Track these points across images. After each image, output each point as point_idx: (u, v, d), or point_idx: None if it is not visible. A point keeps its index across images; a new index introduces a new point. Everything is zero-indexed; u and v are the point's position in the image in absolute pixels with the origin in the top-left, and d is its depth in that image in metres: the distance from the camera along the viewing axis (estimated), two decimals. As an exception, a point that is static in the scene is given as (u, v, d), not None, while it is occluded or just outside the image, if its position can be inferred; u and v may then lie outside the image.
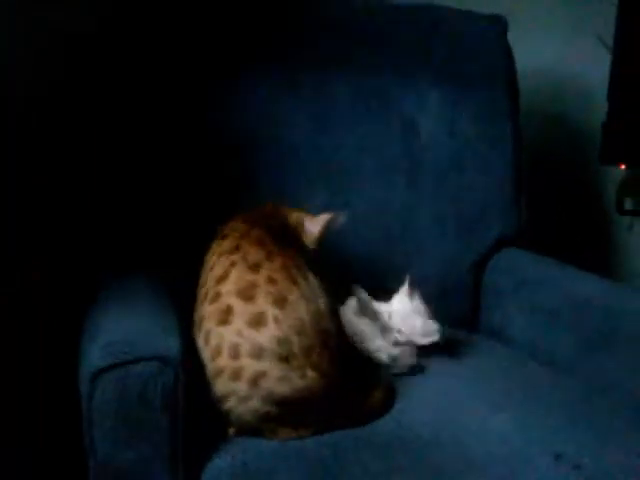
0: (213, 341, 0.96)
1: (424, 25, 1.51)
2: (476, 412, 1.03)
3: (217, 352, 0.95)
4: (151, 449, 0.86)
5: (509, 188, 1.50)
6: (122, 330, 0.91)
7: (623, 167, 2.00)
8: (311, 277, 1.02)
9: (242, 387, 0.94)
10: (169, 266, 1.22)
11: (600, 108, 1.87)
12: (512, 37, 1.59)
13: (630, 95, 1.88)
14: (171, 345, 0.89)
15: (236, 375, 0.94)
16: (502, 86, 1.53)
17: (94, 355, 0.86)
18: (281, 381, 0.94)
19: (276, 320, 0.95)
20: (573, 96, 2.02)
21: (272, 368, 0.93)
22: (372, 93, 1.44)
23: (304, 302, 0.98)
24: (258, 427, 0.96)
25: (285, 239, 1.07)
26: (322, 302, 1.00)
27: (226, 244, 1.04)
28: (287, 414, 0.95)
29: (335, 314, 1.05)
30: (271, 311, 0.95)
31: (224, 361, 0.95)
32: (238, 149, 1.36)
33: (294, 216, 1.17)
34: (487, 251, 1.47)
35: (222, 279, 0.99)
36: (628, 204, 2.03)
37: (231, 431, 0.97)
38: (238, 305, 0.96)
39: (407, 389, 1.08)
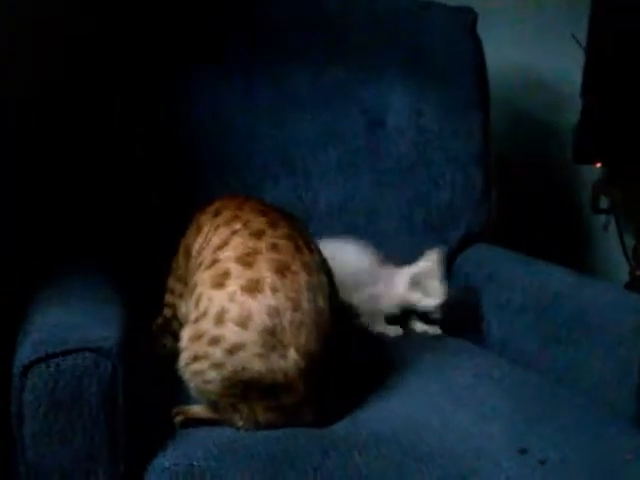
0: (202, 304, 0.91)
1: (389, 17, 1.48)
2: (438, 409, 0.99)
3: (202, 315, 0.90)
4: (87, 447, 0.81)
5: (478, 183, 1.47)
6: (56, 323, 0.86)
7: (598, 165, 1.98)
8: (316, 249, 0.97)
9: (217, 353, 0.88)
10: (124, 257, 1.19)
11: (575, 106, 1.86)
12: (486, 35, 1.57)
13: (604, 93, 1.87)
14: (108, 336, 0.83)
15: (215, 341, 0.89)
16: (470, 79, 1.50)
17: (25, 349, 0.81)
18: (259, 357, 0.88)
19: (273, 288, 0.89)
20: (548, 94, 2.01)
21: (254, 341, 0.88)
22: (333, 86, 1.41)
23: (305, 274, 0.92)
24: (217, 402, 0.90)
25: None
26: (323, 278, 0.94)
27: (222, 217, 0.99)
28: (254, 395, 0.89)
29: (335, 295, 0.97)
30: (270, 278, 0.90)
31: (207, 325, 0.89)
32: (198, 144, 1.33)
33: None
34: (456, 246, 1.44)
35: (221, 247, 0.94)
36: (603, 203, 2.01)
37: (178, 419, 0.92)
38: (236, 270, 0.90)
39: (367, 385, 1.04)
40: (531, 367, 1.18)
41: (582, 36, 1.79)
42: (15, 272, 1.26)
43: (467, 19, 1.53)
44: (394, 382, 1.06)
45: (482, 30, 1.55)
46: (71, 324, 0.86)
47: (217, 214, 1.01)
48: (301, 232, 0.97)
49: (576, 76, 1.82)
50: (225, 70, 1.36)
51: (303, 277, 0.91)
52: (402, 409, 0.98)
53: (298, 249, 0.93)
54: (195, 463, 0.84)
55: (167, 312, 1.11)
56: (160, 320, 1.12)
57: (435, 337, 1.30)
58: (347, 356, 0.99)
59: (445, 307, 1.26)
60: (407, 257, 1.35)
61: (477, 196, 1.47)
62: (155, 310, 1.13)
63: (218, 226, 0.98)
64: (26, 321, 0.91)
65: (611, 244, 2.05)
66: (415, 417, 0.96)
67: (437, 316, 1.27)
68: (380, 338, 1.27)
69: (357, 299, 1.26)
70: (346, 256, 1.23)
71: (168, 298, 1.11)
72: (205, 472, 0.83)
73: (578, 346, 1.13)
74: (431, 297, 1.25)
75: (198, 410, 0.93)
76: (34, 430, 0.79)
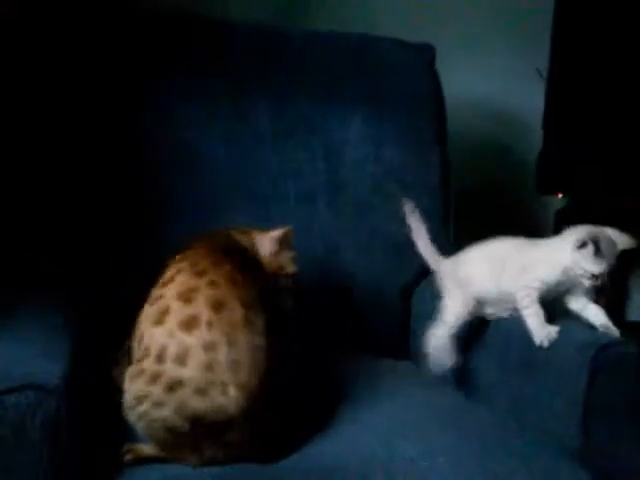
0: (144, 342, 0.93)
1: (349, 52, 1.52)
2: (386, 441, 1.00)
3: (145, 354, 0.92)
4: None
5: (435, 215, 1.49)
6: (1, 356, 0.86)
7: (560, 196, 2.03)
8: (255, 289, 0.98)
9: (157, 391, 0.89)
10: (80, 285, 1.20)
11: (538, 139, 1.91)
12: (452, 68, 1.63)
13: (564, 125, 1.92)
14: (52, 372, 0.84)
15: (154, 378, 0.90)
16: (428, 114, 1.55)
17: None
18: (198, 394, 0.89)
19: (209, 323, 0.91)
20: (512, 127, 2.05)
21: (192, 377, 0.89)
22: (294, 118, 1.44)
23: (243, 310, 0.94)
24: (164, 441, 0.91)
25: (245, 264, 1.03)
26: (261, 317, 0.96)
27: (176, 261, 1.02)
28: (199, 432, 0.90)
29: (274, 336, 0.98)
30: (206, 314, 0.91)
31: (148, 363, 0.91)
32: (158, 173, 1.35)
33: (244, 239, 1.14)
34: (412, 279, 1.46)
35: (166, 283, 0.96)
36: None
37: (128, 457, 0.92)
38: (176, 306, 0.92)
39: (316, 417, 1.05)
40: (484, 400, 1.20)
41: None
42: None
43: (426, 56, 1.58)
44: (344, 413, 1.08)
45: (447, 62, 1.60)
46: (14, 359, 0.86)
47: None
48: (242, 271, 0.99)
49: (541, 109, 1.87)
50: (192, 99, 1.39)
51: (239, 313, 0.93)
52: (351, 442, 1.00)
53: (236, 285, 0.95)
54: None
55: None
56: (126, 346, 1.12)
57: (388, 368, 1.29)
58: (294, 389, 1.00)
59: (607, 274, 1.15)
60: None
61: (434, 229, 1.48)
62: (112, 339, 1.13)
63: (171, 266, 1.00)
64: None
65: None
66: (363, 450, 0.97)
67: (598, 284, 1.15)
68: (330, 366, 1.26)
69: (513, 277, 1.19)
70: (488, 247, 1.24)
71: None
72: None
73: (528, 381, 1.15)
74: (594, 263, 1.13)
75: (147, 449, 0.94)
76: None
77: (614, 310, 2.06)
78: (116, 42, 1.39)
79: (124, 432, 0.96)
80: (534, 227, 2.10)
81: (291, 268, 1.15)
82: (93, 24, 1.39)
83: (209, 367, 0.89)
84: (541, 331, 1.13)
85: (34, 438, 0.81)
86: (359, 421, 1.06)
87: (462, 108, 1.86)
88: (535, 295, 1.16)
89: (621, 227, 1.94)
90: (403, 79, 1.54)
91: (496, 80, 1.98)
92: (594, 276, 1.14)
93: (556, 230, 2.02)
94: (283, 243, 1.15)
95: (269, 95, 1.43)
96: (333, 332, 1.39)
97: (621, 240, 1.17)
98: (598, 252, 1.13)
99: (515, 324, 1.22)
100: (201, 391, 0.89)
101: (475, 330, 1.30)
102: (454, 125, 1.79)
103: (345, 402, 1.12)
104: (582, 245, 1.14)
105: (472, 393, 1.23)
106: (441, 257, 1.32)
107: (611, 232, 1.18)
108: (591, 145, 1.90)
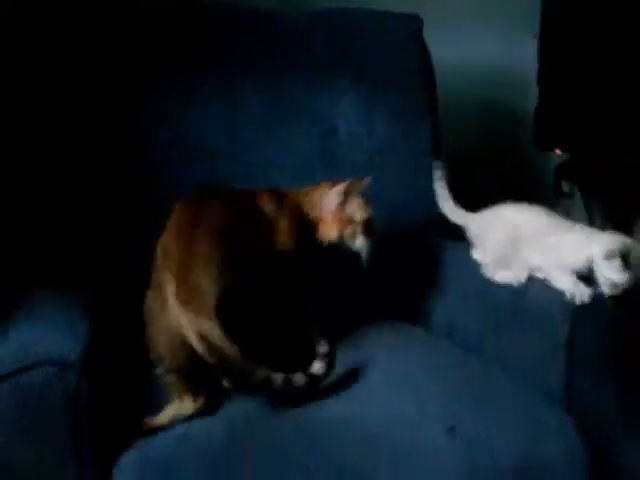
0: None
1: (338, 30, 1.56)
2: (380, 393, 1.08)
3: None
4: (55, 451, 0.91)
5: (429, 182, 1.53)
6: (20, 337, 0.96)
7: (558, 152, 2.06)
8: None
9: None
10: (93, 266, 1.28)
11: (535, 96, 1.94)
12: (453, 34, 1.71)
13: (559, 81, 1.94)
14: (71, 349, 0.94)
15: None
16: (417, 85, 1.58)
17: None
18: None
19: None
20: (512, 87, 2.08)
21: None
22: (287, 98, 1.49)
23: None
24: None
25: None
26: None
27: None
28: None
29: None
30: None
31: None
32: (161, 161, 1.41)
33: (295, 198, 1.24)
34: (409, 240, 1.51)
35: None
36: (565, 187, 2.08)
37: (144, 428, 1.02)
38: None
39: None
40: (473, 350, 1.28)
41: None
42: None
43: (413, 26, 1.61)
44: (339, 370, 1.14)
45: (441, 26, 1.66)
46: (36, 335, 0.96)
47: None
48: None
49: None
50: (188, 91, 1.45)
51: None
52: (347, 395, 1.07)
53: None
54: (154, 458, 0.95)
55: None
56: None
57: (384, 325, 1.35)
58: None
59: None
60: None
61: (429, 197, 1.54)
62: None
63: None
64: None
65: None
66: (357, 402, 1.06)
67: (616, 293, 1.17)
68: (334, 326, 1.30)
69: (539, 254, 1.25)
70: (522, 215, 1.32)
71: None
72: (164, 466, 0.94)
73: (513, 330, 1.23)
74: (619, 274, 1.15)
75: (161, 418, 1.03)
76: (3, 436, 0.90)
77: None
78: (114, 33, 1.44)
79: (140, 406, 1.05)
80: (534, 183, 2.14)
81: (361, 215, 1.24)
82: (90, 20, 1.44)
83: None
84: (576, 289, 1.17)
85: (55, 411, 0.91)
86: (359, 375, 1.13)
87: (458, 72, 1.91)
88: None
89: (618, 181, 1.99)
90: (391, 51, 1.57)
91: (489, 41, 2.00)
92: (615, 285, 1.17)
93: (555, 186, 2.07)
94: (348, 194, 1.23)
95: (261, 77, 1.48)
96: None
97: None
98: (626, 265, 1.15)
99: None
100: None
101: (464, 286, 1.38)
102: (451, 89, 1.83)
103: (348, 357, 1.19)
104: (611, 256, 1.16)
105: (464, 345, 1.30)
106: (469, 212, 1.42)
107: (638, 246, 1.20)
108: (586, 100, 1.92)
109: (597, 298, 1.16)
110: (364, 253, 1.25)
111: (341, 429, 1.01)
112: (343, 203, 1.23)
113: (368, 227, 1.25)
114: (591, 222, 2.10)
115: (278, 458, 0.97)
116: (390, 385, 1.11)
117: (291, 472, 0.96)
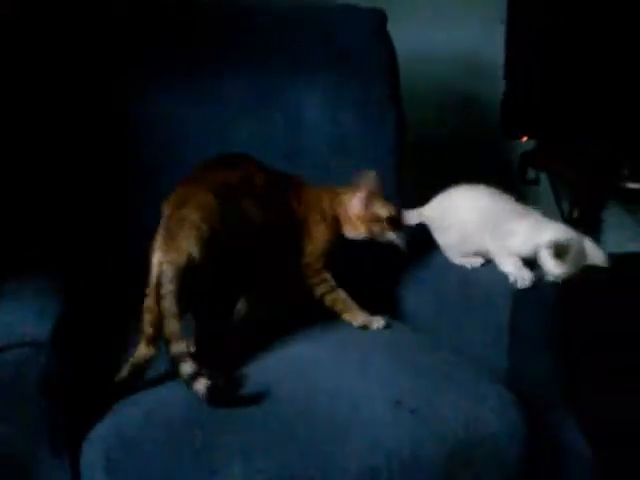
0: None
1: (303, 23, 1.62)
2: (331, 372, 1.16)
3: None
4: (28, 426, 0.99)
5: (391, 172, 1.60)
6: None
7: (524, 139, 2.13)
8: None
9: None
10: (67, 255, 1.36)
11: (502, 86, 2.01)
12: (425, 25, 1.82)
13: (524, 71, 2.01)
14: (41, 331, 1.01)
15: None
16: (381, 76, 1.65)
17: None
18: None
19: None
20: (482, 76, 2.14)
21: None
22: (258, 93, 1.56)
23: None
24: None
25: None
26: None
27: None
28: None
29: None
30: None
31: None
32: (139, 149, 1.49)
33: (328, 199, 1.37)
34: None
35: None
36: (531, 174, 2.16)
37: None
38: None
39: (271, 353, 1.21)
40: (428, 332, 1.37)
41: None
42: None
43: (377, 20, 1.67)
44: (293, 351, 1.23)
45: (410, 18, 1.76)
46: (11, 318, 1.04)
47: None
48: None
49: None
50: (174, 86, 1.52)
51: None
52: (299, 374, 1.15)
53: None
54: (121, 431, 1.02)
55: None
56: None
57: None
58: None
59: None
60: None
61: (390, 185, 1.60)
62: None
63: None
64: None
65: (546, 211, 2.21)
66: (310, 381, 1.13)
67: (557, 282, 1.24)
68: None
69: (490, 238, 1.30)
70: (478, 199, 1.35)
71: None
72: (131, 437, 1.02)
73: (463, 314, 1.32)
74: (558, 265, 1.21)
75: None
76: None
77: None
78: (105, 28, 1.51)
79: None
80: (501, 171, 2.21)
81: (384, 213, 1.35)
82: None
83: None
84: (519, 273, 1.23)
85: (28, 389, 0.98)
86: (312, 351, 1.22)
87: (425, 59, 1.97)
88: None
89: (581, 166, 2.06)
90: (356, 44, 1.63)
91: (457, 28, 2.06)
92: (554, 275, 1.22)
93: (521, 172, 2.15)
94: (368, 199, 1.35)
95: (239, 73, 1.55)
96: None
97: (594, 255, 1.25)
98: (566, 257, 1.21)
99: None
100: None
101: (421, 270, 1.46)
102: (418, 77, 1.90)
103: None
104: (553, 247, 1.22)
105: (419, 327, 1.40)
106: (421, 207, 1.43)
107: (589, 244, 1.26)
108: (551, 89, 1.99)
109: (539, 283, 1.24)
110: (398, 243, 1.36)
111: (287, 404, 1.07)
112: (367, 206, 1.35)
113: (394, 222, 1.36)
114: (559, 207, 2.19)
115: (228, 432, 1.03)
116: (340, 363, 1.19)
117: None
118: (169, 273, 1.07)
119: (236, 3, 1.63)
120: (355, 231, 1.37)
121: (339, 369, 1.16)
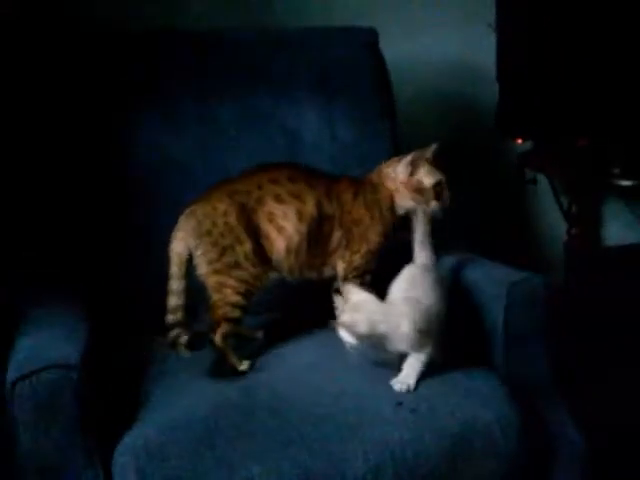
0: None
1: (298, 45, 1.72)
2: (333, 376, 1.26)
3: None
4: (66, 438, 1.10)
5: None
6: (32, 345, 1.16)
7: (520, 141, 2.19)
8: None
9: None
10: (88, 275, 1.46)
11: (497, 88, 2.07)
12: (416, 34, 1.88)
13: (517, 74, 2.06)
14: (71, 354, 1.12)
15: None
16: (374, 91, 1.74)
17: (12, 368, 1.11)
18: None
19: None
20: (479, 79, 2.20)
21: None
22: (256, 115, 1.65)
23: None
24: None
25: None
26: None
27: None
28: None
29: None
30: None
31: None
32: (151, 178, 1.58)
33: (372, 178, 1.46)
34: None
35: None
36: (528, 175, 2.22)
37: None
38: None
39: (277, 358, 1.33)
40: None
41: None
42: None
43: (369, 38, 1.76)
44: (298, 356, 1.35)
45: (406, 23, 1.84)
46: (44, 343, 1.15)
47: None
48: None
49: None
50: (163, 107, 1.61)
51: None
52: (304, 379, 1.26)
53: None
54: (149, 438, 1.13)
55: None
56: None
57: None
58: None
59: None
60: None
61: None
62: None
63: None
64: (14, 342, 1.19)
65: (536, 210, 2.28)
66: (313, 385, 1.24)
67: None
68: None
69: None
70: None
71: None
72: (155, 445, 1.12)
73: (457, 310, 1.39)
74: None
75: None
76: (24, 427, 1.09)
77: (590, 238, 2.26)
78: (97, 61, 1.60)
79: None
80: (501, 170, 2.27)
81: (429, 180, 1.41)
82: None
83: None
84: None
85: (64, 406, 1.09)
86: (311, 362, 1.33)
87: (420, 67, 2.04)
88: None
89: (576, 166, 2.11)
90: (349, 64, 1.72)
91: (450, 35, 2.11)
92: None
93: (519, 173, 2.21)
94: (415, 164, 1.41)
95: (231, 97, 1.64)
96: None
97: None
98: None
99: (452, 264, 1.47)
100: None
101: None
102: (414, 84, 1.97)
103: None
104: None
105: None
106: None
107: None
108: (543, 91, 2.04)
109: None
110: (436, 215, 1.40)
111: (295, 409, 1.17)
112: (412, 173, 1.41)
113: (439, 191, 1.41)
114: (558, 205, 2.25)
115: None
116: (343, 367, 1.27)
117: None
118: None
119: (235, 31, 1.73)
120: (402, 202, 1.42)
121: (342, 372, 1.26)
